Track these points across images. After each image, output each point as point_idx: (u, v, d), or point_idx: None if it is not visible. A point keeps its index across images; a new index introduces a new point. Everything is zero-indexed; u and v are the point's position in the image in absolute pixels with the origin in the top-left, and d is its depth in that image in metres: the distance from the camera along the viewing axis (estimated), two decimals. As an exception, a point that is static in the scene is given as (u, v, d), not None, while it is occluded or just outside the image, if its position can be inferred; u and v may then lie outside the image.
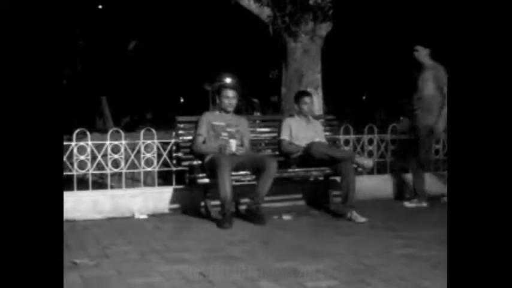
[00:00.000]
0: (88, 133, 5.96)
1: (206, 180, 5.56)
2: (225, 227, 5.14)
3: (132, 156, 5.94)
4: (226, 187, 5.25)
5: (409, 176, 6.72)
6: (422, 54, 6.35)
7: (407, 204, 6.35)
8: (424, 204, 6.29)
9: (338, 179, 6.50)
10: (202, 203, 5.88)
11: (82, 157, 5.78)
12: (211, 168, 5.48)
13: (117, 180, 6.10)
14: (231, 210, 5.33)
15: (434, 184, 6.78)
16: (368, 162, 5.94)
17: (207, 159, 5.67)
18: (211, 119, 5.90)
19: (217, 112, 6.03)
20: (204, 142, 5.81)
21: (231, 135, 5.85)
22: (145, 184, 6.12)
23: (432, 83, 6.23)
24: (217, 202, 5.48)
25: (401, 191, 6.91)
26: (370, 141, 6.89)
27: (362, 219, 5.52)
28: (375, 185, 6.81)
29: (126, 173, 5.98)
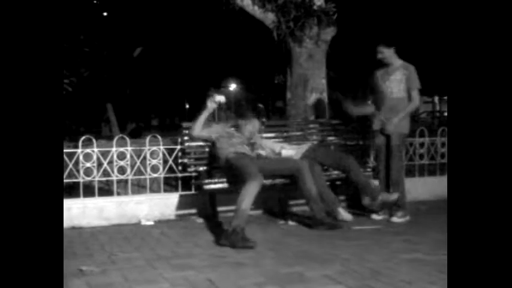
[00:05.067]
0: (94, 140, 5.97)
1: (213, 186, 5.55)
2: (250, 246, 4.55)
3: (138, 163, 5.95)
4: (251, 199, 4.81)
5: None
6: (388, 54, 5.86)
7: (395, 219, 5.74)
8: (408, 218, 5.78)
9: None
10: (209, 209, 5.88)
11: (88, 164, 5.79)
12: (229, 171, 5.34)
13: (123, 187, 6.11)
14: (243, 225, 4.75)
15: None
16: None
17: (228, 158, 5.41)
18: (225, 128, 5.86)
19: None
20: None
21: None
22: (152, 190, 6.12)
23: (404, 84, 5.77)
24: (223, 208, 5.48)
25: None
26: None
27: (349, 217, 5.59)
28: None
29: (132, 179, 5.99)
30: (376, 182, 6.00)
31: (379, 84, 5.96)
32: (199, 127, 5.51)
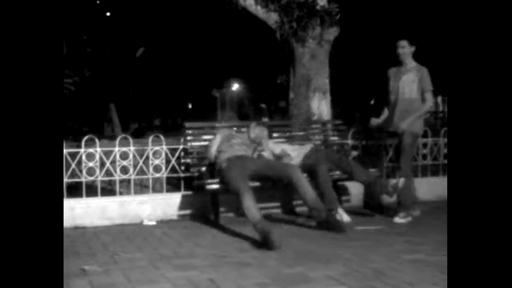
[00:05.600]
0: (97, 140, 5.97)
1: (215, 186, 5.53)
2: (274, 246, 4.50)
3: (141, 163, 5.95)
4: (253, 210, 4.86)
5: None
6: (408, 52, 5.88)
7: (397, 220, 5.72)
8: (410, 219, 5.76)
9: (347, 184, 6.51)
10: (211, 209, 5.88)
11: (91, 164, 5.79)
12: (223, 180, 5.37)
13: (126, 187, 6.11)
14: (267, 229, 4.67)
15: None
16: None
17: (221, 168, 5.46)
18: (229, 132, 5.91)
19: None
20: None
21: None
22: (154, 190, 6.12)
23: (417, 85, 5.79)
24: (225, 208, 5.46)
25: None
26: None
27: (347, 219, 5.58)
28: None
29: (134, 179, 5.99)
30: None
31: (391, 83, 5.99)
32: (213, 153, 5.62)
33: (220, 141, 5.67)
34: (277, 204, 6.35)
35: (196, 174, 5.93)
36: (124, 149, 5.94)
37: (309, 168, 5.69)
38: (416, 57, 5.97)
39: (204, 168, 5.89)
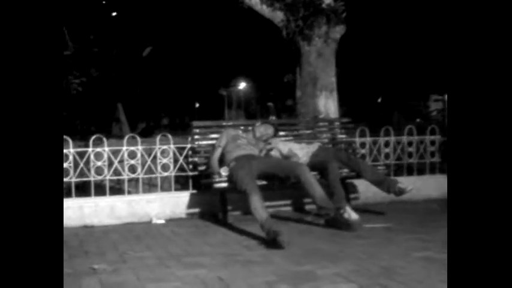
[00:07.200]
0: (105, 139, 5.99)
1: (222, 185, 5.52)
2: (282, 246, 4.45)
3: (149, 162, 5.96)
4: (260, 211, 4.81)
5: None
6: None
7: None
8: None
9: (355, 181, 6.51)
10: (219, 208, 5.89)
11: (99, 163, 5.81)
12: (231, 180, 5.37)
13: (134, 186, 6.13)
14: (274, 228, 4.62)
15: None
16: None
17: (228, 168, 5.46)
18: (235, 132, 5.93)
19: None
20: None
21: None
22: (162, 189, 6.14)
23: None
24: (233, 206, 5.48)
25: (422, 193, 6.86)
26: (387, 144, 6.86)
27: (355, 217, 5.49)
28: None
29: (143, 178, 6.01)
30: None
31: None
32: (216, 167, 5.60)
33: (225, 142, 5.70)
34: (287, 202, 6.35)
35: (204, 172, 5.94)
36: (132, 148, 5.96)
37: (320, 166, 5.69)
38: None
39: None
